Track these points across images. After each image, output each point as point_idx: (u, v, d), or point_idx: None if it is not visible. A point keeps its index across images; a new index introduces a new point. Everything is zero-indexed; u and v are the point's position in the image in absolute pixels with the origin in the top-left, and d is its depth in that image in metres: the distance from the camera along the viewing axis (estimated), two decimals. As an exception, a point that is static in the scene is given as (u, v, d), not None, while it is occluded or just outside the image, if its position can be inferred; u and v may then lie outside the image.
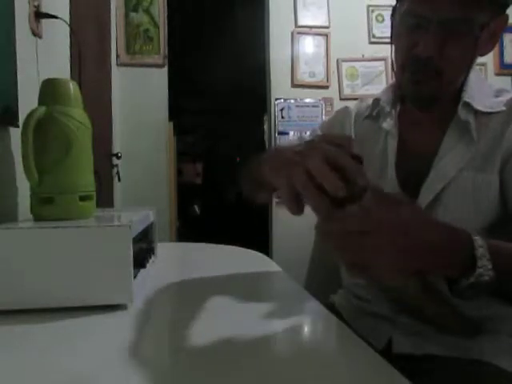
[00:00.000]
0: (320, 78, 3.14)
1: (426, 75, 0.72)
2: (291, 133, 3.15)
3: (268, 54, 3.17)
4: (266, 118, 3.42)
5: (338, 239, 0.49)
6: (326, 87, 3.14)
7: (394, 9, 0.77)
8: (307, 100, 3.15)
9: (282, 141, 3.14)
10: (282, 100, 3.14)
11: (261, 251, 1.17)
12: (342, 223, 0.48)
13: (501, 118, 0.74)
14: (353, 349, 0.55)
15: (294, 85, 3.14)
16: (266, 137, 3.47)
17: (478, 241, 0.52)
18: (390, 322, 0.80)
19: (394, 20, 0.77)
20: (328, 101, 3.14)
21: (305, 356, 0.52)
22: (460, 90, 0.77)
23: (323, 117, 3.13)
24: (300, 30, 3.11)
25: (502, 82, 3.31)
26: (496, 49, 3.33)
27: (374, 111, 0.89)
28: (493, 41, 0.74)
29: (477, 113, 0.75)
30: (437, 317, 0.71)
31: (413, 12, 0.71)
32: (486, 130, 0.74)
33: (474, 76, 0.78)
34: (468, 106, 0.75)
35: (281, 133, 3.15)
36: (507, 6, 0.72)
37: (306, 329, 0.61)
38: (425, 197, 0.76)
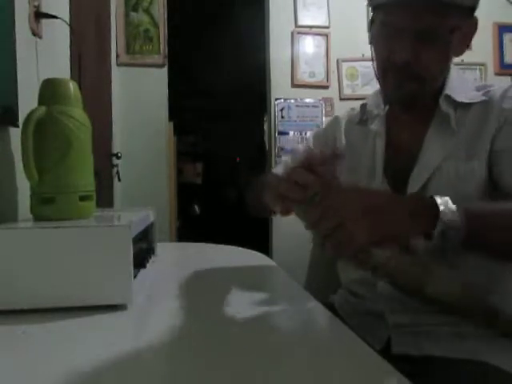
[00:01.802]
0: (320, 78, 3.14)
1: (406, 79, 0.77)
2: (291, 133, 3.15)
3: (268, 53, 3.16)
4: (266, 118, 3.42)
5: (318, 221, 0.57)
6: (326, 87, 3.14)
7: (372, 18, 0.81)
8: (307, 100, 3.15)
9: (282, 141, 3.14)
10: (282, 100, 3.13)
11: (261, 251, 1.17)
12: (318, 207, 0.58)
13: (480, 108, 0.77)
14: (352, 348, 0.55)
15: (294, 85, 3.13)
16: (265, 137, 3.47)
17: (439, 197, 0.59)
18: (388, 321, 0.80)
19: (372, 28, 0.81)
20: (328, 101, 3.14)
21: (304, 355, 0.52)
22: (442, 86, 0.81)
23: (323, 117, 3.13)
24: (300, 30, 3.11)
25: (502, 82, 3.31)
26: (496, 49, 3.33)
27: (364, 116, 0.93)
28: (466, 42, 0.78)
29: (457, 105, 0.79)
30: (435, 290, 0.68)
31: (387, 22, 0.76)
32: (466, 121, 0.78)
33: (455, 73, 0.83)
34: (449, 98, 0.79)
35: (281, 133, 3.14)
36: (474, 10, 0.76)
37: (305, 328, 0.61)
38: (412, 188, 0.78)
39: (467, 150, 0.76)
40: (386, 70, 0.79)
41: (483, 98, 0.77)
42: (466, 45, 0.78)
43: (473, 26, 0.77)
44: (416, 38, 0.73)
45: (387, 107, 0.88)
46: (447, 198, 0.59)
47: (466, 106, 0.78)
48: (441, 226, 0.57)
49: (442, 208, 0.58)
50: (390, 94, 0.83)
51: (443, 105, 0.78)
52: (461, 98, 0.78)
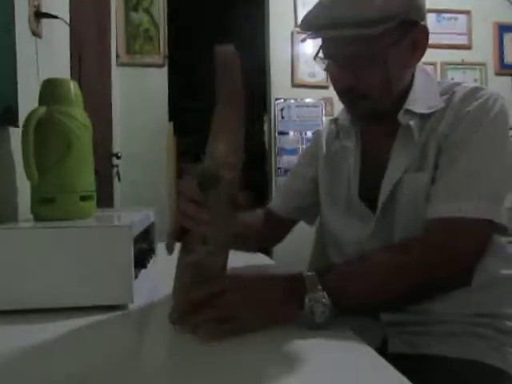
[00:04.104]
0: (320, 78, 3.14)
1: (355, 100, 0.80)
2: (291, 133, 3.15)
3: (268, 54, 3.16)
4: (266, 118, 3.42)
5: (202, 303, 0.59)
6: (326, 87, 3.14)
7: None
8: (307, 100, 3.15)
9: (282, 141, 3.14)
10: (282, 100, 3.14)
11: (261, 251, 1.17)
12: (204, 289, 0.60)
13: (438, 115, 0.78)
14: (351, 346, 0.55)
15: (294, 85, 3.13)
16: (265, 137, 3.47)
17: (307, 274, 0.63)
18: (382, 319, 0.80)
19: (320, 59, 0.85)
20: (328, 101, 3.14)
21: (302, 353, 0.52)
22: (405, 96, 0.81)
23: (323, 117, 3.13)
24: (300, 30, 3.10)
25: (502, 81, 3.30)
26: (496, 49, 3.33)
27: (337, 130, 0.94)
28: (419, 50, 0.79)
29: (421, 116, 0.79)
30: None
31: (324, 54, 0.82)
32: (426, 130, 0.78)
33: (421, 79, 0.83)
34: (409, 111, 0.79)
35: (281, 133, 3.14)
36: (414, 21, 0.76)
37: (304, 327, 0.61)
38: (380, 201, 0.81)
39: (422, 159, 0.78)
40: (338, 94, 0.83)
41: (443, 104, 0.78)
42: (420, 51, 0.79)
43: (421, 32, 0.78)
44: (348, 63, 0.77)
45: (359, 123, 0.90)
46: (315, 278, 0.63)
47: (429, 114, 0.79)
48: (309, 307, 0.60)
49: (308, 294, 0.61)
50: (348, 112, 0.87)
51: (402, 119, 0.79)
52: (421, 108, 0.79)
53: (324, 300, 0.60)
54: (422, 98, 0.80)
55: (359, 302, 0.67)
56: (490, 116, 0.74)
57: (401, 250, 0.72)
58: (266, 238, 1.07)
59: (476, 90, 0.77)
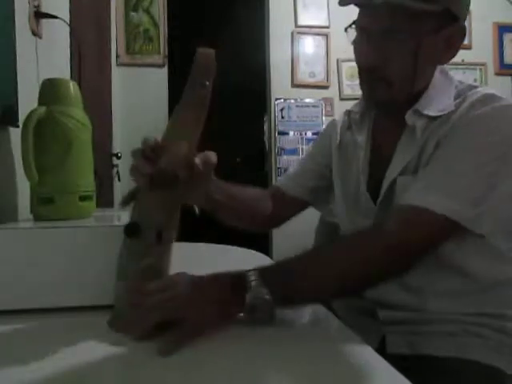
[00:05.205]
0: (320, 78, 3.14)
1: (375, 83, 0.77)
2: (291, 133, 3.15)
3: (268, 53, 3.17)
4: (266, 118, 3.42)
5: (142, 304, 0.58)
6: (326, 87, 3.14)
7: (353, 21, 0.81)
8: (307, 100, 3.15)
9: (282, 141, 3.14)
10: (282, 100, 3.14)
11: (261, 251, 1.17)
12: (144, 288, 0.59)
13: (444, 118, 0.76)
14: (350, 345, 0.55)
15: (294, 85, 3.14)
16: (265, 137, 3.47)
17: (249, 273, 0.62)
18: (379, 317, 0.80)
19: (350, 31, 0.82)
20: (328, 101, 3.14)
21: (303, 353, 0.52)
22: (419, 95, 0.79)
23: (323, 117, 3.13)
24: (300, 30, 3.11)
25: (502, 81, 3.31)
26: (496, 49, 3.33)
27: (350, 123, 0.93)
28: (451, 49, 0.76)
29: (428, 118, 0.77)
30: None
31: (357, 25, 0.78)
32: (428, 131, 0.77)
33: (439, 81, 0.80)
34: (417, 112, 0.78)
35: (281, 133, 3.15)
36: (455, 16, 0.73)
37: (305, 327, 0.61)
38: (379, 198, 0.81)
39: (418, 161, 0.77)
40: (360, 73, 0.80)
41: (453, 108, 0.76)
42: (451, 52, 0.76)
43: (457, 32, 0.75)
44: (379, 41, 0.73)
45: (372, 115, 0.88)
46: (256, 273, 0.62)
47: (438, 117, 0.77)
48: (248, 301, 0.60)
49: (248, 292, 0.60)
50: (365, 99, 0.84)
51: (409, 119, 0.77)
52: (430, 110, 0.77)
53: (267, 297, 0.59)
54: (434, 101, 0.78)
55: (301, 294, 0.66)
56: (493, 124, 0.71)
57: (357, 235, 0.71)
58: (273, 216, 1.03)
59: (488, 96, 0.74)
